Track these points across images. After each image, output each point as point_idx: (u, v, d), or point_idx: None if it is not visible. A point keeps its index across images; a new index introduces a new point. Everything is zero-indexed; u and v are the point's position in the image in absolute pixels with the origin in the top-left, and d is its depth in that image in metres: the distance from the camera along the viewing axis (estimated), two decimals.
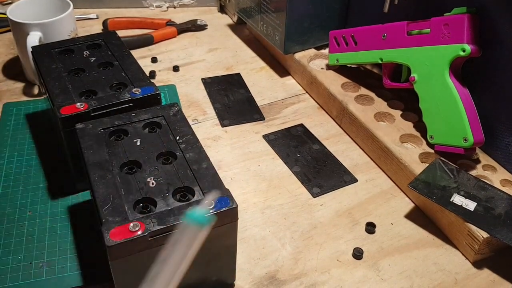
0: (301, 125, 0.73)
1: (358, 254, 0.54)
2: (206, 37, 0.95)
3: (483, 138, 0.60)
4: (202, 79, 0.82)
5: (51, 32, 0.72)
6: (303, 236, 0.56)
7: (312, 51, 0.82)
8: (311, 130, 0.72)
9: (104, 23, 0.93)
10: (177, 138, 0.50)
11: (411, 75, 0.64)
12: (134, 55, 0.65)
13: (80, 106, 0.54)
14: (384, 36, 0.67)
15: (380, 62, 0.68)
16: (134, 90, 0.57)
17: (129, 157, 0.48)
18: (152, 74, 0.82)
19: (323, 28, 0.81)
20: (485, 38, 0.59)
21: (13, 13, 0.73)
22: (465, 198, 0.55)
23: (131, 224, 0.40)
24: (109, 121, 0.52)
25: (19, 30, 0.72)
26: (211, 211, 0.42)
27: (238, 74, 0.84)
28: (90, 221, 0.56)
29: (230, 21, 1.00)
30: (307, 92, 0.80)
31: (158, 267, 0.32)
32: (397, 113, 0.69)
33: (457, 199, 0.55)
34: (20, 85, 0.79)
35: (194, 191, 0.45)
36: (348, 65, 0.77)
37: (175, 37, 0.94)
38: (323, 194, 0.62)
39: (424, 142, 0.64)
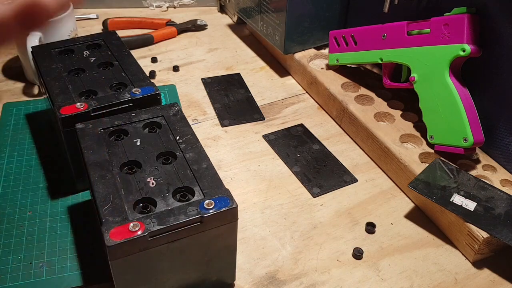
0: (301, 125, 0.73)
1: (358, 254, 0.54)
2: (206, 37, 0.95)
3: (483, 138, 0.60)
4: (202, 79, 0.82)
5: (51, 32, 0.72)
6: (303, 236, 0.56)
7: (312, 51, 0.82)
8: (311, 130, 0.72)
9: (104, 23, 0.93)
10: (177, 138, 0.50)
11: (411, 75, 0.64)
12: (134, 55, 0.65)
13: (80, 106, 0.54)
14: (384, 36, 0.67)
15: (380, 62, 0.68)
16: (134, 90, 0.57)
17: (129, 157, 0.48)
18: (152, 74, 0.82)
19: (323, 28, 0.81)
20: (485, 38, 0.59)
21: None
22: (465, 198, 0.55)
23: (131, 224, 0.40)
24: (109, 121, 0.52)
25: None
26: (211, 211, 0.42)
27: (238, 74, 0.84)
28: (90, 221, 0.56)
29: (230, 21, 1.00)
30: (307, 92, 0.80)
31: None
32: (397, 113, 0.69)
33: (457, 199, 0.55)
34: (20, 85, 0.79)
35: (194, 191, 0.45)
36: (348, 65, 0.77)
37: (175, 37, 0.94)
38: (323, 194, 0.62)
39: (424, 142, 0.64)
